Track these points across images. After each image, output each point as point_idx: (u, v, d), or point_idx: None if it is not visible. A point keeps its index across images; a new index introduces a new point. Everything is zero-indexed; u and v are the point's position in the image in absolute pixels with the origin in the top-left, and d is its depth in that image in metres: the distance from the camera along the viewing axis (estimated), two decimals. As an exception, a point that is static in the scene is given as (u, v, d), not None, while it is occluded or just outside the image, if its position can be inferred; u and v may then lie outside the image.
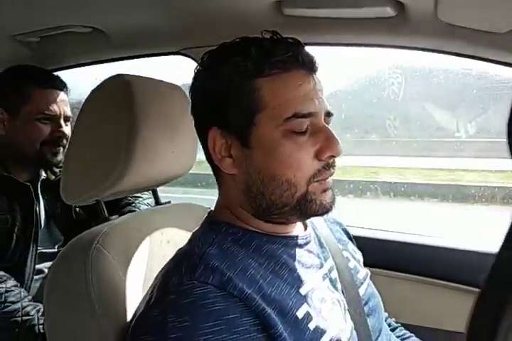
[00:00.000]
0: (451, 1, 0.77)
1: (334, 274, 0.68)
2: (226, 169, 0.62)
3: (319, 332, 0.57)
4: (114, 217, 0.80)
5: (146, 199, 1.34)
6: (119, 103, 0.75)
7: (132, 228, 0.78)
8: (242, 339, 0.51)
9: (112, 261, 0.68)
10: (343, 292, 0.67)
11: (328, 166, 0.60)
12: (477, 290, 1.04)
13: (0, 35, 1.24)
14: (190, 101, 0.67)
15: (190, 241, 0.64)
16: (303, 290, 0.60)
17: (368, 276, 0.77)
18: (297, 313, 0.56)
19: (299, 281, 0.60)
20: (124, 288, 0.67)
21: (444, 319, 1.09)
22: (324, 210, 0.62)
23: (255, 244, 0.61)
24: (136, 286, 0.69)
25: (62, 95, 1.22)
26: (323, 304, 0.61)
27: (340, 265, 0.71)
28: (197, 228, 0.67)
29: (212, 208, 0.71)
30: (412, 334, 0.88)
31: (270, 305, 0.55)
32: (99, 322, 0.63)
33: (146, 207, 1.31)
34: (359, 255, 0.81)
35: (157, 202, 0.97)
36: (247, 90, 0.59)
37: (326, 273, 0.67)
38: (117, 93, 0.76)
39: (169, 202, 0.96)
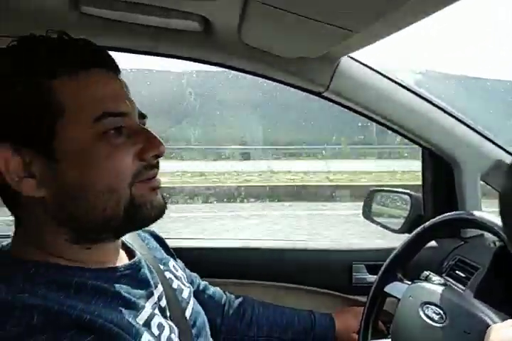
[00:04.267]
0: (252, 27, 0.82)
1: (163, 302, 0.64)
2: (30, 192, 0.51)
3: None
4: None
5: None
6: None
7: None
8: None
9: None
10: (171, 319, 0.64)
11: (151, 167, 0.56)
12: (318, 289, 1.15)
13: None
14: None
15: None
16: (140, 319, 0.55)
17: (192, 293, 0.76)
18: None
19: (134, 311, 0.55)
20: None
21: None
22: (156, 213, 0.56)
23: (76, 284, 0.52)
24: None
25: None
26: (161, 332, 0.58)
27: (168, 290, 0.66)
28: None
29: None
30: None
31: (114, 330, 0.49)
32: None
33: None
34: (181, 272, 0.79)
35: None
36: (39, 96, 0.50)
37: (156, 302, 0.62)
38: None
39: None
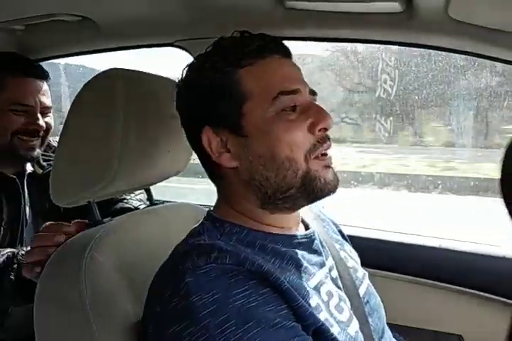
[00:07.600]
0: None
1: (334, 273, 0.68)
2: (226, 163, 0.63)
3: (327, 324, 0.57)
4: (107, 219, 0.76)
5: (137, 194, 1.29)
6: (113, 99, 0.71)
7: (127, 231, 0.74)
8: (271, 303, 0.53)
9: (107, 268, 0.64)
10: (343, 290, 0.67)
11: (323, 140, 0.62)
12: (477, 292, 1.05)
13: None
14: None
15: (191, 235, 0.63)
16: (311, 284, 0.61)
17: (367, 276, 0.77)
18: (310, 301, 0.57)
19: (307, 275, 0.61)
20: (121, 297, 0.64)
21: (442, 321, 1.08)
22: (329, 188, 0.62)
23: (259, 244, 0.61)
24: (134, 294, 0.65)
25: (41, 85, 1.16)
26: (330, 298, 0.62)
27: (340, 264, 0.71)
28: (197, 225, 0.65)
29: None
30: None
31: (287, 284, 0.55)
32: (94, 335, 0.60)
33: (138, 202, 1.27)
34: (355, 255, 0.81)
35: (151, 202, 0.93)
36: (229, 84, 0.62)
37: (327, 272, 0.67)
38: (110, 89, 0.72)
39: (162, 202, 0.93)
